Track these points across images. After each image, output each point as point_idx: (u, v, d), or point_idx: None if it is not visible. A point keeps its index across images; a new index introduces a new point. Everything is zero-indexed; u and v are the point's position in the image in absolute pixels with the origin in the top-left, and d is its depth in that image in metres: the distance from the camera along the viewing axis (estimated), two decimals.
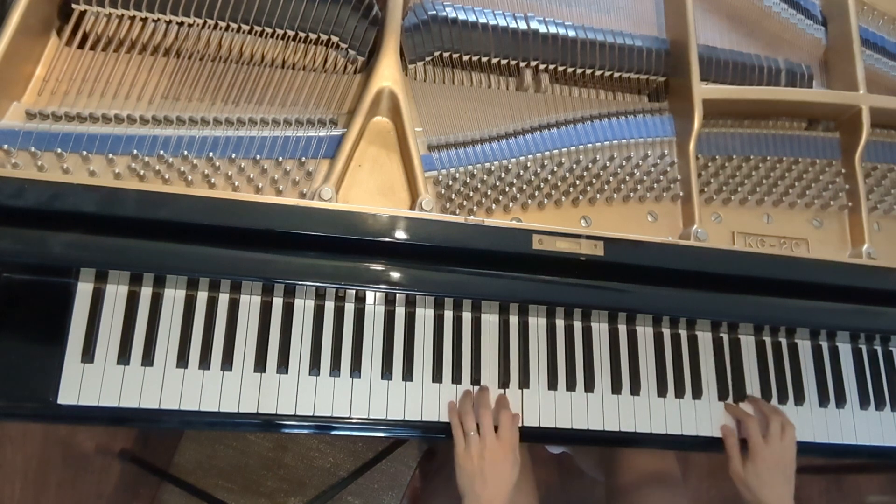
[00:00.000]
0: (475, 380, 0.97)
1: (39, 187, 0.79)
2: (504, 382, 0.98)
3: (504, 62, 1.01)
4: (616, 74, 1.04)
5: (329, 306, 0.96)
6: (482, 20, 0.99)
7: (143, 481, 1.60)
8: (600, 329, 1.03)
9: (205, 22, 0.93)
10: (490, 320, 1.00)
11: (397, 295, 0.95)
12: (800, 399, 1.06)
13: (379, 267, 0.89)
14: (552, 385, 0.99)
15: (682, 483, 1.16)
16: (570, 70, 1.03)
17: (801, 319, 1.02)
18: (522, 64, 1.01)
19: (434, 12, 0.98)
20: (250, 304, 0.94)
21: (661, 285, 0.96)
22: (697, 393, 1.03)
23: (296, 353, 0.94)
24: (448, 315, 0.99)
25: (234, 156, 0.90)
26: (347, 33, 0.95)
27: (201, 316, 0.93)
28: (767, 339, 1.09)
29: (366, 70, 0.98)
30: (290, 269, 0.87)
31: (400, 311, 0.98)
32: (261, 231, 0.84)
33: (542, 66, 1.02)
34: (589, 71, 1.03)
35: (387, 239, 0.86)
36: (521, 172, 0.97)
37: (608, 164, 1.01)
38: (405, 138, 0.94)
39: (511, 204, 0.96)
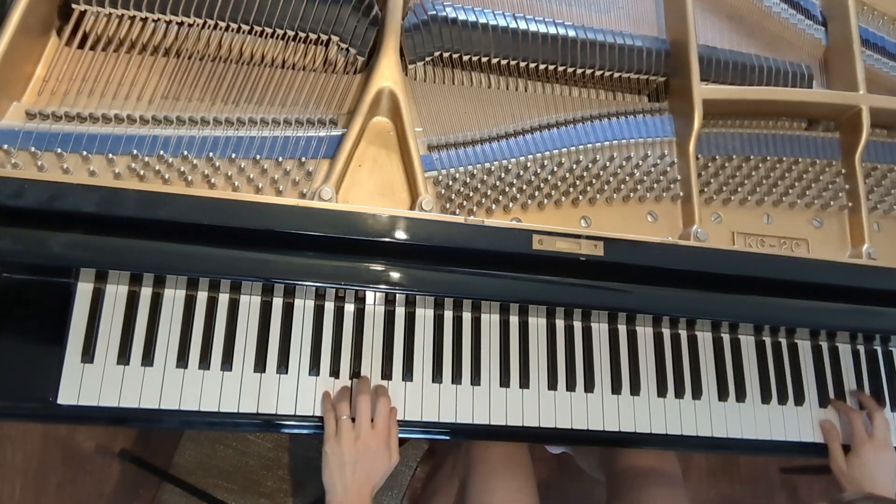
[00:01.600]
0: (475, 380, 0.97)
1: (39, 187, 0.79)
2: (504, 382, 0.98)
3: (504, 62, 1.01)
4: (616, 74, 1.04)
5: (329, 306, 0.96)
6: (482, 20, 0.99)
7: (143, 481, 1.60)
8: (600, 329, 1.03)
9: (205, 22, 0.93)
10: (490, 320, 1.00)
11: (397, 295, 0.95)
12: (800, 399, 1.06)
13: (379, 267, 0.89)
14: (552, 385, 0.99)
15: (683, 483, 1.16)
16: (570, 70, 1.03)
17: (801, 319, 1.02)
18: (494, 61, 0.99)
19: (434, 12, 0.98)
20: (250, 304, 0.94)
21: (661, 285, 0.96)
22: (697, 393, 1.03)
23: (296, 354, 0.94)
24: (448, 315, 0.99)
25: (234, 156, 0.90)
26: (347, 33, 0.95)
27: (201, 316, 0.93)
28: (767, 340, 1.09)
29: (366, 70, 0.98)
30: (290, 269, 0.87)
31: (400, 312, 0.98)
32: (261, 231, 0.84)
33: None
34: (589, 71, 1.03)
35: (387, 239, 0.86)
36: (521, 172, 0.97)
37: (608, 164, 1.01)
38: (405, 138, 0.94)
39: (511, 204, 0.96)
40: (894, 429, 1.05)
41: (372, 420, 0.87)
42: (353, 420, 0.87)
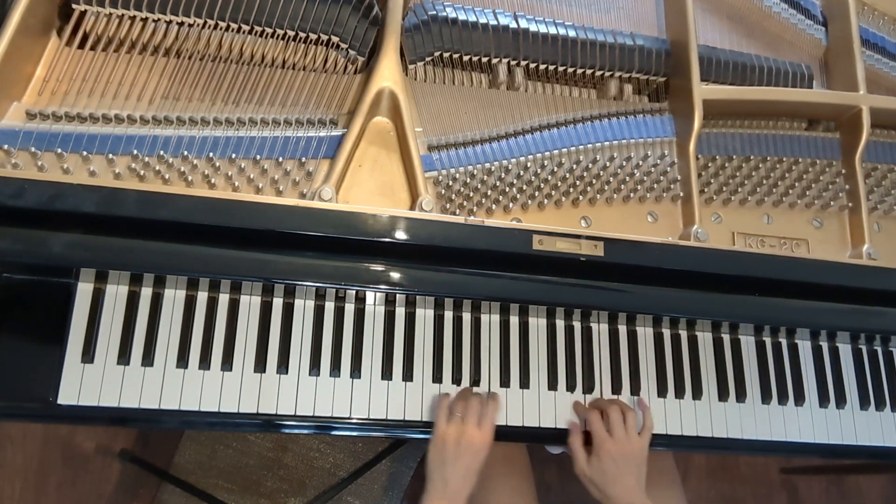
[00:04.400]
0: (475, 380, 0.97)
1: (39, 187, 0.79)
2: (504, 382, 0.98)
3: (504, 62, 1.01)
4: (616, 74, 1.04)
5: (329, 306, 0.96)
6: (482, 20, 0.99)
7: (143, 481, 1.60)
8: (600, 329, 1.03)
9: (205, 22, 0.93)
10: (490, 320, 1.00)
11: (397, 295, 0.95)
12: (800, 399, 1.06)
13: (379, 267, 0.89)
14: (552, 385, 0.99)
15: (681, 484, 1.16)
16: (570, 70, 1.03)
17: (802, 320, 1.02)
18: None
19: (434, 12, 0.98)
20: (250, 304, 0.94)
21: (662, 285, 0.96)
22: (697, 393, 1.03)
23: (296, 354, 0.94)
24: (448, 315, 0.99)
25: (234, 156, 0.90)
26: (347, 33, 0.95)
27: (201, 316, 0.93)
28: (768, 340, 1.08)
29: (366, 70, 0.98)
30: (290, 269, 0.87)
31: (400, 312, 0.98)
32: (261, 231, 0.84)
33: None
34: (589, 71, 1.03)
35: (387, 239, 0.86)
36: (521, 173, 0.97)
37: (608, 164, 1.01)
38: (405, 138, 0.94)
39: (511, 204, 0.96)
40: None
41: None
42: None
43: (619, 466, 0.90)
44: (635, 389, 1.01)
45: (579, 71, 1.03)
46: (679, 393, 1.02)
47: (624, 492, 0.89)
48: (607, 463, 0.90)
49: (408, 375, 0.96)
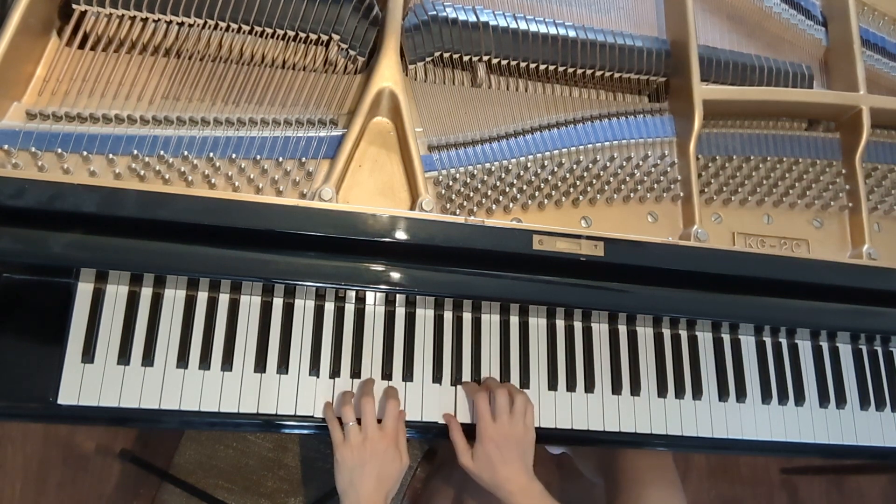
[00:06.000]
0: (475, 380, 0.97)
1: (40, 187, 0.79)
2: (505, 382, 0.98)
3: (504, 62, 1.01)
4: (616, 75, 1.04)
5: (329, 307, 0.96)
6: (482, 20, 0.99)
7: (143, 481, 1.60)
8: (600, 329, 1.03)
9: (205, 22, 0.93)
10: (490, 321, 1.00)
11: (397, 295, 0.95)
12: (800, 399, 1.06)
13: (379, 267, 0.89)
14: (552, 385, 0.99)
15: (681, 486, 1.16)
16: (570, 70, 1.03)
17: (802, 320, 1.02)
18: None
19: (434, 12, 0.98)
20: (250, 304, 0.94)
21: (662, 286, 0.96)
22: (698, 393, 1.03)
23: (296, 354, 0.94)
24: (448, 315, 0.99)
25: (234, 156, 0.90)
26: (348, 33, 0.95)
27: (201, 316, 0.93)
28: (768, 340, 1.08)
29: (366, 70, 0.98)
30: (291, 269, 0.87)
31: (400, 312, 0.98)
32: (261, 231, 0.84)
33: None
34: (589, 71, 1.03)
35: (387, 239, 0.86)
36: (522, 173, 0.97)
37: (608, 164, 1.01)
38: (405, 138, 0.94)
39: (511, 204, 0.96)
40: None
41: (380, 421, 0.87)
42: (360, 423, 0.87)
43: (502, 451, 0.87)
44: (635, 389, 1.01)
45: (579, 71, 1.03)
46: (679, 393, 1.02)
47: (509, 475, 0.87)
48: (491, 449, 0.87)
49: (408, 376, 0.96)
